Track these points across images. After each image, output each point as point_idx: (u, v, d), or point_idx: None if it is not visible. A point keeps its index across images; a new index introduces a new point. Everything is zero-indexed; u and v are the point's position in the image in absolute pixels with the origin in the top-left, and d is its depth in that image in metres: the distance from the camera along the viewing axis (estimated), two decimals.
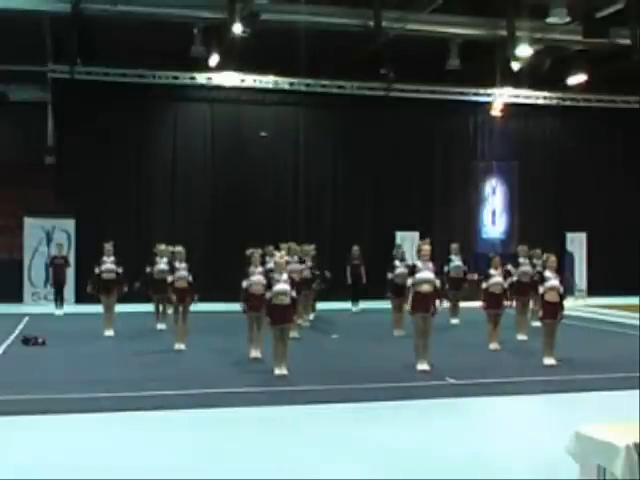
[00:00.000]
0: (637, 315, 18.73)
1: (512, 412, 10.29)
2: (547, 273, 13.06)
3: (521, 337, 16.02)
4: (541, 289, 12.96)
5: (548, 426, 8.95)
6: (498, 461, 7.82)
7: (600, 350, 14.77)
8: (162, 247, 17.16)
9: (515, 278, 16.63)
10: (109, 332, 16.28)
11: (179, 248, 14.84)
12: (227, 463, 7.59)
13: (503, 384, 11.44)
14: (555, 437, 7.23)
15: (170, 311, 17.02)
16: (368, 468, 7.47)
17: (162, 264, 16.59)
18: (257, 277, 12.78)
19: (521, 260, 16.65)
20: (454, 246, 18.96)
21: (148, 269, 17.08)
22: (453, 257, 18.72)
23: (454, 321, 18.74)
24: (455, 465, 7.54)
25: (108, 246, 16.69)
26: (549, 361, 12.73)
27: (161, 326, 17.15)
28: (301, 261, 17.25)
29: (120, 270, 16.56)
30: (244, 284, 12.82)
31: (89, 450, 7.98)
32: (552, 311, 12.77)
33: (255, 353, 13.07)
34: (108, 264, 16.51)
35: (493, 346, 14.62)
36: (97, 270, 16.57)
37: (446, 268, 18.16)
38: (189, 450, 8.00)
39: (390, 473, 7.33)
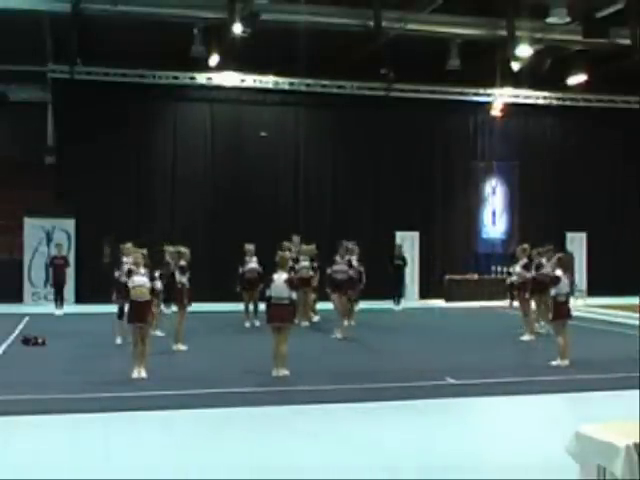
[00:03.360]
0: (637, 315, 18.72)
1: (512, 412, 10.29)
2: (559, 272, 12.95)
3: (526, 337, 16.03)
4: (553, 290, 12.88)
5: (548, 426, 8.94)
6: (498, 461, 7.82)
7: (600, 350, 14.76)
8: (251, 247, 17.67)
9: (514, 278, 16.68)
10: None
11: (184, 249, 14.84)
12: (227, 463, 7.59)
13: (503, 384, 11.44)
14: (555, 437, 7.23)
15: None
16: (368, 468, 7.46)
17: (253, 263, 17.39)
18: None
19: (527, 260, 16.52)
20: (350, 246, 18.27)
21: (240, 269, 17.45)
22: (352, 258, 18.24)
23: (346, 323, 18.32)
24: (455, 465, 7.54)
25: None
26: (562, 363, 12.67)
27: (249, 324, 17.62)
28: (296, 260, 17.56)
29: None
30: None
31: (89, 450, 7.98)
32: (564, 310, 12.78)
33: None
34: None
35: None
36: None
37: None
38: (189, 450, 8.00)
39: (390, 473, 7.33)
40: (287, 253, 14.00)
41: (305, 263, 18.08)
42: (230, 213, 23.79)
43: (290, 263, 15.29)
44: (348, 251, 18.03)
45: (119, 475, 7.15)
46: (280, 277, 11.71)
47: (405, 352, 14.42)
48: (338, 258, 17.61)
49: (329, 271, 17.43)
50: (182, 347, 14.06)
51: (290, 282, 11.82)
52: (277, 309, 11.67)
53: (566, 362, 12.64)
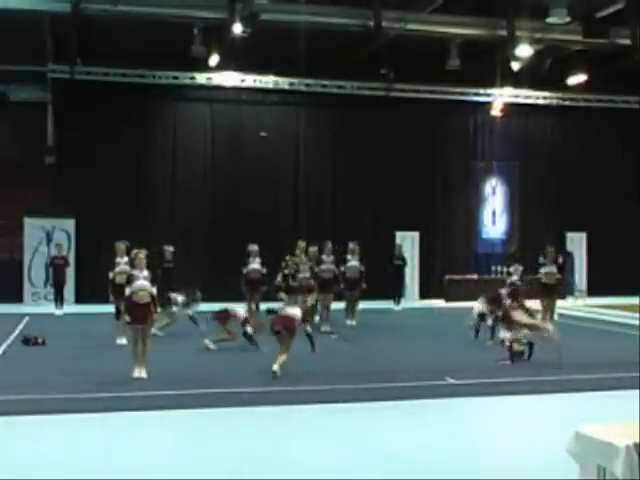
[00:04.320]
0: (637, 315, 18.73)
1: (512, 412, 10.28)
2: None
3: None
4: None
5: (548, 426, 8.94)
6: (498, 461, 7.82)
7: (600, 350, 14.77)
8: (254, 247, 17.70)
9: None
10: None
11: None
12: (227, 463, 7.59)
13: (502, 384, 11.43)
14: (555, 437, 7.23)
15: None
16: (367, 468, 7.47)
17: (256, 264, 17.45)
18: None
19: (545, 260, 16.51)
20: (351, 246, 18.44)
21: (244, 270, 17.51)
22: (349, 257, 18.23)
23: (349, 322, 18.30)
24: (455, 465, 7.54)
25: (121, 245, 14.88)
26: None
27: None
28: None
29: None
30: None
31: (89, 450, 7.98)
32: None
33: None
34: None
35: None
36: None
37: (342, 268, 17.89)
38: (189, 450, 8.00)
39: (390, 473, 7.33)
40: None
41: (306, 274, 17.80)
42: (230, 213, 23.79)
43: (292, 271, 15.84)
44: (349, 251, 18.08)
45: (119, 475, 7.15)
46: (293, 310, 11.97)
47: (405, 352, 14.42)
48: (325, 257, 17.72)
49: (316, 270, 17.53)
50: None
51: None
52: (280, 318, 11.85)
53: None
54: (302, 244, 18.75)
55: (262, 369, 11.97)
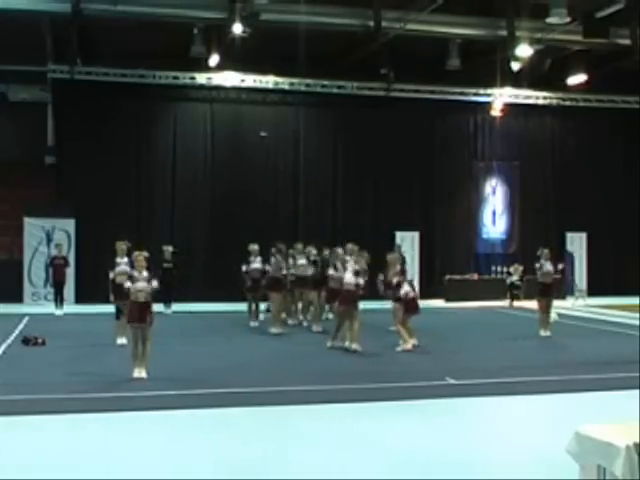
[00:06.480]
0: (637, 315, 18.74)
1: (512, 412, 10.28)
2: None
3: (543, 333, 16.26)
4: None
5: (548, 426, 8.94)
6: (498, 461, 7.82)
7: (600, 350, 14.77)
8: (255, 247, 17.65)
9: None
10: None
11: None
12: (227, 463, 7.59)
13: (503, 384, 11.43)
14: (555, 437, 7.23)
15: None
16: (367, 468, 7.46)
17: (257, 263, 17.32)
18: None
19: (542, 262, 16.50)
20: (349, 246, 18.37)
21: (244, 268, 17.46)
22: (347, 257, 18.16)
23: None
24: (455, 465, 7.54)
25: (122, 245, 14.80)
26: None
27: (254, 324, 17.55)
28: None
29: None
30: None
31: (89, 450, 7.97)
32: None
33: None
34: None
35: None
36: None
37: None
38: (189, 450, 8.00)
39: (389, 473, 7.32)
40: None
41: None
42: (230, 212, 23.79)
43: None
44: (347, 251, 18.04)
45: (119, 475, 7.15)
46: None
47: (405, 352, 14.41)
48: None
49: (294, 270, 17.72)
50: (357, 347, 13.96)
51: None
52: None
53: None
54: (299, 246, 18.69)
55: (262, 368, 11.98)
